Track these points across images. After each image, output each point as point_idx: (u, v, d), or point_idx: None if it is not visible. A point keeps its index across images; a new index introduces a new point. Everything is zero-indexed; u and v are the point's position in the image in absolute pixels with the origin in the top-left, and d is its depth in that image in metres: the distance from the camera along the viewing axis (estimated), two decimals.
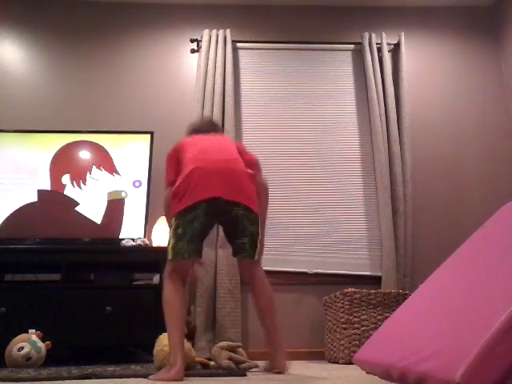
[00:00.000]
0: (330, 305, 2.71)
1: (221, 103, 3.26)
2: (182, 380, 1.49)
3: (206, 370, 1.87)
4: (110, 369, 1.87)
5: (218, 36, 3.45)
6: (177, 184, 1.86)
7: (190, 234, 1.78)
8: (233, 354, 1.88)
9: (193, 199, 1.79)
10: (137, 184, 2.94)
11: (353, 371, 1.87)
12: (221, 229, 2.99)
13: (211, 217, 1.83)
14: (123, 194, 2.90)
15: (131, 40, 3.59)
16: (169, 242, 1.83)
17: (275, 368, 1.81)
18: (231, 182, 1.85)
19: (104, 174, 2.96)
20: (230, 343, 1.98)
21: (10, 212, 2.84)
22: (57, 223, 2.83)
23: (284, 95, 3.50)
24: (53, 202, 2.87)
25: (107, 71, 3.51)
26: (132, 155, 3.01)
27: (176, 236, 1.79)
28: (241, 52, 3.59)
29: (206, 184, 1.81)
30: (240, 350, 1.98)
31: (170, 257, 1.80)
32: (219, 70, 3.33)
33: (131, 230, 2.84)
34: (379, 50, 3.52)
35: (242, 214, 1.84)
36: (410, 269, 3.06)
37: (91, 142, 3.03)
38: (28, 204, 2.87)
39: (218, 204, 1.81)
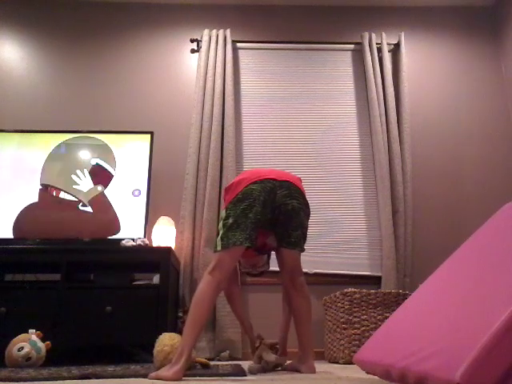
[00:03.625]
0: (329, 305, 2.71)
1: (221, 103, 3.27)
2: (180, 380, 1.49)
3: (205, 369, 1.87)
4: (110, 369, 1.87)
5: (217, 36, 3.45)
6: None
7: (247, 223, 1.73)
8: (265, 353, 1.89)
9: (244, 184, 1.79)
10: (136, 193, 2.94)
11: (353, 371, 1.87)
12: None
13: (267, 208, 1.79)
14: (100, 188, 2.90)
15: (131, 40, 3.59)
16: (217, 234, 1.78)
17: (305, 371, 1.85)
18: (283, 173, 1.91)
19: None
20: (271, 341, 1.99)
21: (13, 212, 2.85)
22: (58, 223, 2.84)
23: (284, 95, 3.50)
24: (53, 201, 2.88)
25: (107, 71, 3.51)
26: (132, 155, 3.01)
27: (226, 225, 1.75)
28: (241, 52, 3.59)
29: (257, 173, 1.85)
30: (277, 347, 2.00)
31: (218, 248, 1.72)
32: (219, 70, 3.33)
33: (131, 230, 2.84)
34: (379, 50, 3.52)
35: (298, 206, 1.84)
36: (410, 269, 3.06)
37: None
38: (31, 204, 2.87)
39: (273, 190, 1.80)
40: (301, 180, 1.98)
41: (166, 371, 1.51)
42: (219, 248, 1.72)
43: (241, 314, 2.10)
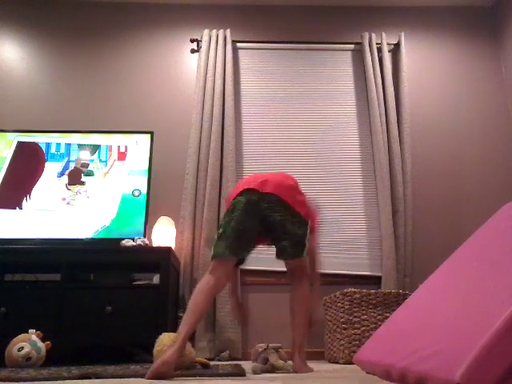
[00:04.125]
0: (329, 305, 2.71)
1: (221, 103, 3.27)
2: (175, 361, 1.53)
3: (205, 369, 1.87)
4: (110, 369, 1.87)
5: (217, 36, 3.45)
6: None
7: (228, 232, 1.83)
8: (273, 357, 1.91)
9: (234, 195, 1.91)
10: (136, 193, 2.94)
11: (353, 371, 1.87)
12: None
13: (251, 218, 1.85)
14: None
15: (131, 40, 3.59)
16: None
17: (295, 370, 1.87)
18: (271, 179, 1.93)
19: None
20: (274, 345, 2.01)
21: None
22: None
23: (284, 95, 3.50)
24: None
25: (107, 71, 3.51)
26: (132, 155, 3.00)
27: (217, 235, 1.88)
28: (241, 52, 3.59)
29: (246, 183, 1.94)
30: (281, 350, 2.01)
31: (211, 255, 1.86)
32: (219, 70, 3.33)
33: (131, 230, 2.84)
34: (379, 50, 3.52)
35: (280, 219, 1.87)
36: (410, 269, 3.06)
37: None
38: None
39: (257, 202, 1.85)
40: (293, 188, 1.96)
41: (162, 357, 1.54)
42: (211, 256, 1.85)
43: (234, 290, 2.21)
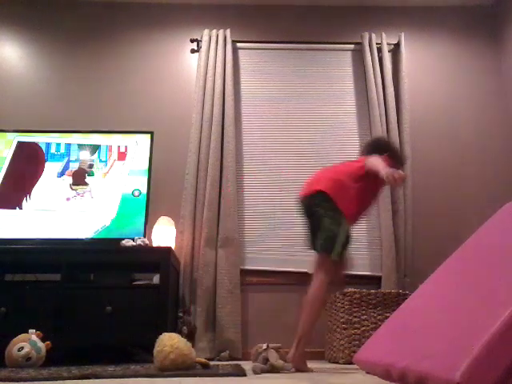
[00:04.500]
0: (330, 305, 2.71)
1: (221, 103, 3.26)
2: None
3: (205, 369, 1.87)
4: (110, 369, 1.87)
5: (217, 36, 3.45)
6: None
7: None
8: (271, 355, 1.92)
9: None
10: (136, 193, 2.94)
11: (353, 371, 1.87)
12: (221, 229, 3.01)
13: (309, 217, 2.20)
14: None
15: (131, 40, 3.59)
16: None
17: (293, 365, 1.93)
18: (322, 176, 2.20)
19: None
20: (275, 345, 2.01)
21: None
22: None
23: (284, 95, 3.50)
24: None
25: (107, 71, 3.51)
26: (132, 155, 3.00)
27: None
28: (241, 52, 3.59)
29: (305, 187, 2.25)
30: (281, 350, 2.01)
31: None
32: (219, 70, 3.33)
33: (131, 230, 2.84)
34: (379, 50, 3.51)
35: (320, 213, 2.08)
36: (410, 269, 3.06)
37: None
38: None
39: (309, 202, 2.16)
40: (342, 183, 2.10)
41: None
42: None
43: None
